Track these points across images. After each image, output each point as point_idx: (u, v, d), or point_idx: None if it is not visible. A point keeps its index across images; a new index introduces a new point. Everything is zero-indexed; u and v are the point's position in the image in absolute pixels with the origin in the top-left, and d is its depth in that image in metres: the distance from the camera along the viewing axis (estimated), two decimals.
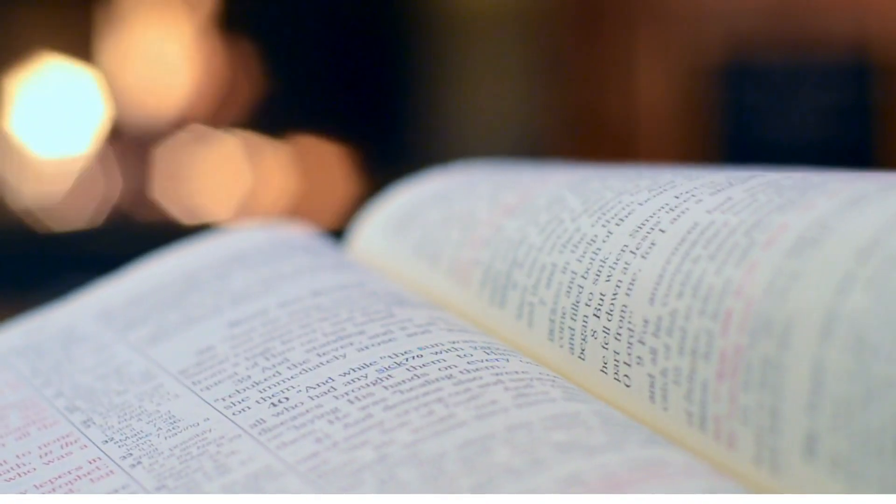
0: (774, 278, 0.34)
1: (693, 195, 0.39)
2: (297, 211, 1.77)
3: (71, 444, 0.39)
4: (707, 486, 0.32)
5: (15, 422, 0.41)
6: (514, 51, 1.87)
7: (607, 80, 1.86)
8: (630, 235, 0.39)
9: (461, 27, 1.86)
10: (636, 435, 0.35)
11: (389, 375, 0.38)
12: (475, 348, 0.39)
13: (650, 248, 0.38)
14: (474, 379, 0.37)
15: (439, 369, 0.38)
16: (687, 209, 0.38)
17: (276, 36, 1.85)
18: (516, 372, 0.38)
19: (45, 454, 0.39)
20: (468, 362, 0.38)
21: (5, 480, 0.38)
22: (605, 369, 0.38)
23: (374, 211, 0.51)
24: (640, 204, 0.40)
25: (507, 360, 0.39)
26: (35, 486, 0.37)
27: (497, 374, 0.38)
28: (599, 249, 0.40)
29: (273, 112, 1.83)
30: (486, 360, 0.39)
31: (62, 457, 0.39)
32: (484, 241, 0.44)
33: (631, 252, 0.39)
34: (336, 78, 1.88)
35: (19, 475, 0.38)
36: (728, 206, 0.37)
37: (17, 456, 0.39)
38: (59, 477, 0.38)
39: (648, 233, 0.39)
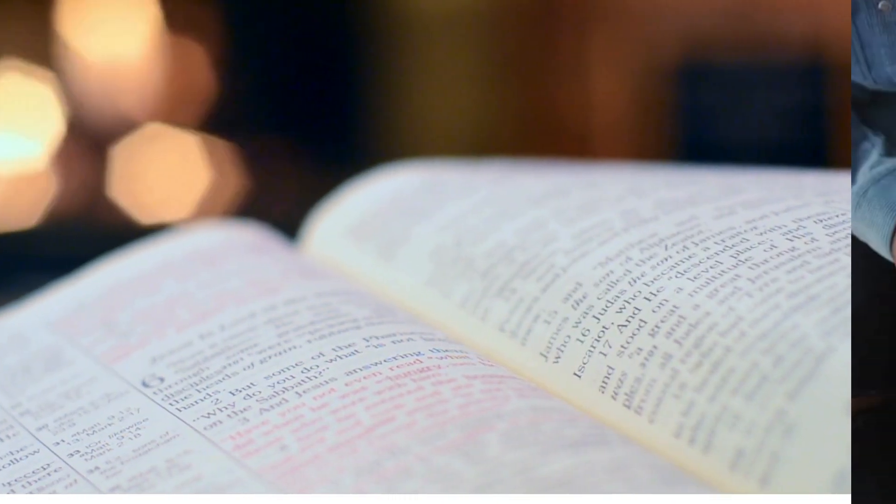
0: None
1: None
2: (250, 210, 1.76)
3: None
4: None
5: None
6: (467, 50, 1.87)
7: (561, 79, 1.86)
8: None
9: (414, 27, 1.85)
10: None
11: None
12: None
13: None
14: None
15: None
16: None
17: (230, 36, 1.85)
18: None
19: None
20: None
21: None
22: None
23: (329, 211, 0.50)
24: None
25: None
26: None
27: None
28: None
29: (227, 112, 1.82)
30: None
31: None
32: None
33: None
34: (290, 78, 1.88)
35: None
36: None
37: None
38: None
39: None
